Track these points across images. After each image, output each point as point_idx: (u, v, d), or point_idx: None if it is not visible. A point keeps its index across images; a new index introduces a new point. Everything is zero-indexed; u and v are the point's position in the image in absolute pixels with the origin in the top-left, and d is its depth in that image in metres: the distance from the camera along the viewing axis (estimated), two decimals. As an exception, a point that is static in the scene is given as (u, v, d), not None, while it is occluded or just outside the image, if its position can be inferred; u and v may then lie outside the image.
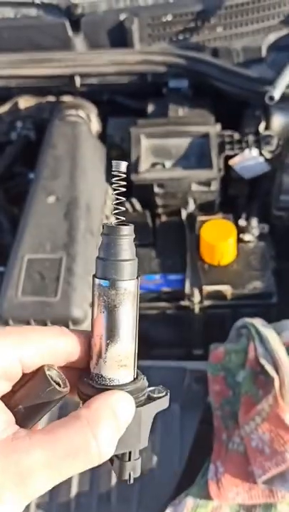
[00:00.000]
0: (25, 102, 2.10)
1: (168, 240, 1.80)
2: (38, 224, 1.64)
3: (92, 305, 0.53)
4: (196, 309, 1.62)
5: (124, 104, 2.13)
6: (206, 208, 1.85)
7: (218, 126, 1.91)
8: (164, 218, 1.88)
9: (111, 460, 0.55)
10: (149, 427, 0.54)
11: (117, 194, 0.51)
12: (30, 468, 0.43)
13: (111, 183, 0.51)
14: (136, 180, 1.79)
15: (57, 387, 0.49)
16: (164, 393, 0.56)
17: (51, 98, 2.09)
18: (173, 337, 1.72)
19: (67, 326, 0.72)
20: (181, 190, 1.81)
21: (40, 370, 0.50)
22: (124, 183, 0.51)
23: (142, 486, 1.20)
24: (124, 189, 0.51)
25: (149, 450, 1.24)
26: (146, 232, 1.81)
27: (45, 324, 1.42)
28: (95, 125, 2.03)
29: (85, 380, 0.53)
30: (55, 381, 0.50)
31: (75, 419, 0.47)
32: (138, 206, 1.86)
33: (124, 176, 0.51)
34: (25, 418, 0.49)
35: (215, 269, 1.66)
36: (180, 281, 1.65)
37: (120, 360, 0.52)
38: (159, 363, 1.42)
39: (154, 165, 1.87)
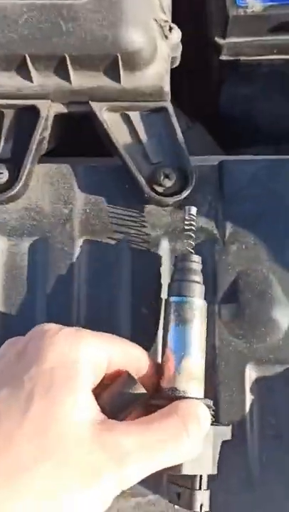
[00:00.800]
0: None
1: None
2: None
3: (166, 322, 0.59)
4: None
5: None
6: None
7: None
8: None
9: (178, 494, 0.54)
10: (218, 452, 0.55)
11: (190, 232, 0.63)
12: (128, 450, 0.44)
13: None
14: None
15: (140, 387, 0.52)
16: (227, 423, 0.58)
17: None
18: None
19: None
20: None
21: (123, 372, 0.53)
22: (195, 224, 0.63)
23: None
24: (194, 229, 0.63)
25: None
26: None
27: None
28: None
29: (158, 395, 0.56)
30: None
31: (167, 414, 0.50)
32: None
33: (195, 218, 0.63)
34: (109, 417, 0.49)
35: None
36: None
37: (192, 373, 0.56)
38: None
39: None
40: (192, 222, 0.63)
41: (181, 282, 0.59)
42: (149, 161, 0.69)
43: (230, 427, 0.58)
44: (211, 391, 0.62)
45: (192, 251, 0.62)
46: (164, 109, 0.70)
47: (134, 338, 0.58)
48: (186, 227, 0.63)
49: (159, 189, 0.67)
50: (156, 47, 0.68)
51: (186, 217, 0.63)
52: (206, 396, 0.57)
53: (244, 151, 0.93)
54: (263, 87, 0.90)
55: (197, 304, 0.58)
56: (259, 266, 0.65)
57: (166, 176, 0.66)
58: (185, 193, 0.66)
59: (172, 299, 0.59)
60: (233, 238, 0.66)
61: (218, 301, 0.64)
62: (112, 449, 0.44)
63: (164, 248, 0.67)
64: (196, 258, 0.61)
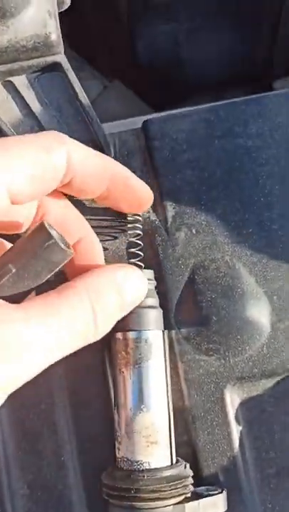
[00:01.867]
0: None
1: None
2: None
3: (112, 366, 0.42)
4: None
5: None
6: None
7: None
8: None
9: None
10: None
11: (135, 239, 0.47)
12: (29, 342, 0.34)
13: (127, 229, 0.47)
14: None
15: (60, 242, 0.35)
16: (217, 491, 0.42)
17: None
18: None
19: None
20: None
21: (38, 224, 0.36)
22: (141, 226, 0.46)
23: None
24: (140, 233, 0.46)
25: None
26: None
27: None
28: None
29: (108, 471, 0.40)
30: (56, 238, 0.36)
31: (72, 290, 0.37)
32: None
33: (141, 220, 0.46)
34: (16, 282, 0.36)
35: None
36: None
37: (149, 434, 0.40)
38: None
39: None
40: (137, 225, 0.46)
41: (131, 313, 0.42)
42: (48, 139, 0.50)
43: (223, 495, 0.43)
44: (186, 434, 0.46)
45: (141, 264, 0.45)
46: (56, 65, 0.52)
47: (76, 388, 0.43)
48: (130, 232, 0.46)
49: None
50: (27, -20, 0.49)
51: (129, 218, 0.46)
52: (181, 451, 0.42)
53: (178, 107, 0.76)
54: (186, 21, 0.73)
55: (154, 339, 0.42)
56: (219, 253, 0.48)
57: (75, 155, 0.49)
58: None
59: (117, 335, 0.43)
60: (179, 222, 0.49)
61: (172, 311, 0.47)
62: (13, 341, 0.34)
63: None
64: (149, 273, 0.44)
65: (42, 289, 0.37)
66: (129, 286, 0.39)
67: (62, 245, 0.36)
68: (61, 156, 0.39)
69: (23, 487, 0.47)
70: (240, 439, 0.46)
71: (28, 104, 0.51)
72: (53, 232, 0.36)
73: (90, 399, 0.47)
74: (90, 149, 0.41)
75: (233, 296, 0.47)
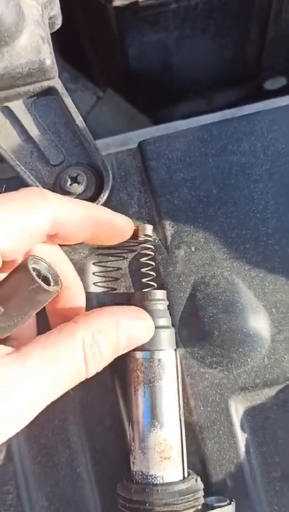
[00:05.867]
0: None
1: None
2: None
3: (126, 383, 0.45)
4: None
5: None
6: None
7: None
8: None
9: None
10: None
11: (146, 259, 0.49)
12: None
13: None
14: None
15: (43, 284, 0.37)
16: (226, 502, 0.44)
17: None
18: None
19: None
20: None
21: (22, 263, 0.38)
22: (152, 247, 0.48)
23: None
24: (152, 253, 0.48)
25: None
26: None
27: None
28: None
29: (124, 483, 0.42)
30: (43, 276, 0.38)
31: (66, 336, 0.39)
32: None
33: (151, 240, 0.48)
34: (4, 320, 0.38)
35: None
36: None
37: (162, 450, 0.42)
38: None
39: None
40: (148, 246, 0.48)
41: None
42: (48, 164, 0.52)
43: (232, 506, 0.45)
44: (194, 444, 0.48)
45: (154, 284, 0.47)
46: (52, 90, 0.53)
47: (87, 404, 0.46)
48: (141, 253, 0.47)
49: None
50: (20, 9, 0.50)
51: (140, 239, 0.48)
52: (190, 460, 0.44)
53: (172, 111, 0.77)
54: (176, 29, 0.73)
55: (167, 358, 0.44)
56: (218, 269, 0.50)
57: (74, 180, 0.50)
58: (104, 197, 0.50)
59: (133, 354, 0.45)
60: (178, 240, 0.51)
61: (176, 326, 0.49)
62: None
63: (89, 272, 0.51)
64: (160, 294, 0.46)
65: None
66: (128, 330, 0.41)
67: (47, 286, 0.37)
68: (47, 215, 0.40)
69: (42, 499, 0.50)
70: (246, 446, 0.49)
71: (26, 129, 0.53)
72: (41, 266, 0.38)
73: (102, 414, 0.49)
74: (73, 201, 0.43)
75: (233, 311, 0.49)
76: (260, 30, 0.77)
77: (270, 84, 0.84)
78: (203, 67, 0.80)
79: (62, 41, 0.66)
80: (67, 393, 0.49)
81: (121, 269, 0.50)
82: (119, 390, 0.49)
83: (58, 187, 0.51)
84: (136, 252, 0.50)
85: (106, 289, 0.51)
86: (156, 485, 0.42)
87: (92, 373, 0.40)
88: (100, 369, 0.40)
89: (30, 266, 0.36)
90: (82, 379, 0.40)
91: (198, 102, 0.85)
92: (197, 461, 0.49)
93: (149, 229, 0.49)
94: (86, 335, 0.38)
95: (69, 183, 0.50)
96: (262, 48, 0.79)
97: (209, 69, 0.81)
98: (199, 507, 0.44)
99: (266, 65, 0.82)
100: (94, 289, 0.50)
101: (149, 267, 0.48)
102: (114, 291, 0.51)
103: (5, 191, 0.51)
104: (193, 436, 0.49)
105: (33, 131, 0.53)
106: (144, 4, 0.67)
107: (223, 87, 0.84)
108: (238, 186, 0.51)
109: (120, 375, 0.49)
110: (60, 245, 0.46)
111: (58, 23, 0.59)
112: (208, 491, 0.47)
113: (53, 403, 0.50)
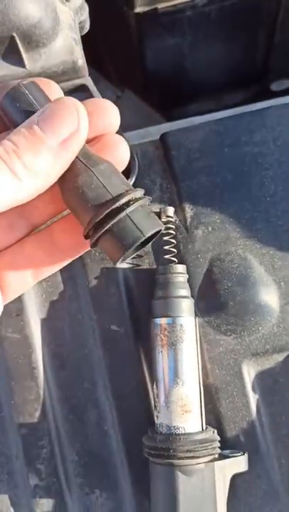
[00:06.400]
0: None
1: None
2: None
3: (150, 347, 0.50)
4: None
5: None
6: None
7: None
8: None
9: None
10: (226, 492, 0.47)
11: (169, 237, 0.54)
12: None
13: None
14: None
15: None
16: (240, 453, 0.50)
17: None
18: None
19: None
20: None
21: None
22: (173, 227, 0.54)
23: None
24: (173, 233, 0.54)
25: None
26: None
27: None
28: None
29: (149, 434, 0.47)
30: None
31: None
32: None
33: (173, 220, 0.54)
34: None
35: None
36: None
37: (184, 404, 0.48)
38: None
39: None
40: (170, 226, 0.54)
41: (167, 300, 0.50)
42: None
43: (245, 457, 0.51)
44: (211, 403, 0.54)
45: (175, 260, 0.53)
46: (83, 88, 0.59)
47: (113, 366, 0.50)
48: (164, 232, 0.53)
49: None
50: (56, 14, 0.56)
51: (163, 220, 0.54)
52: (206, 417, 0.50)
53: (184, 111, 0.82)
54: (190, 35, 0.79)
55: (187, 324, 0.50)
56: (232, 247, 0.56)
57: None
58: (130, 182, 0.56)
59: (156, 320, 0.50)
60: (196, 221, 0.56)
61: (194, 298, 0.55)
62: None
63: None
64: (181, 268, 0.52)
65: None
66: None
67: None
68: None
69: (72, 454, 0.55)
70: (257, 406, 0.54)
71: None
72: None
73: (127, 378, 0.55)
74: None
75: (246, 284, 0.54)
76: (267, 36, 0.83)
77: (277, 85, 0.90)
78: (214, 70, 0.86)
79: (86, 47, 0.72)
80: (96, 359, 0.55)
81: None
82: (143, 357, 0.55)
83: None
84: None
85: (131, 265, 0.56)
86: (179, 434, 0.48)
87: None
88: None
89: None
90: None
91: (209, 102, 0.91)
92: (213, 418, 0.54)
93: (170, 211, 0.54)
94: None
95: (99, 169, 0.56)
96: (269, 52, 0.85)
97: (220, 72, 0.87)
98: (216, 455, 0.49)
99: (273, 68, 0.88)
100: (120, 265, 0.56)
101: (171, 245, 0.54)
102: (139, 267, 0.56)
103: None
104: (209, 397, 0.54)
105: (66, 124, 0.59)
106: (162, 11, 0.73)
107: (232, 89, 0.90)
108: (251, 173, 0.57)
109: (143, 345, 0.55)
110: None
111: (87, 27, 0.65)
112: (222, 446, 0.52)
113: (82, 368, 0.55)
